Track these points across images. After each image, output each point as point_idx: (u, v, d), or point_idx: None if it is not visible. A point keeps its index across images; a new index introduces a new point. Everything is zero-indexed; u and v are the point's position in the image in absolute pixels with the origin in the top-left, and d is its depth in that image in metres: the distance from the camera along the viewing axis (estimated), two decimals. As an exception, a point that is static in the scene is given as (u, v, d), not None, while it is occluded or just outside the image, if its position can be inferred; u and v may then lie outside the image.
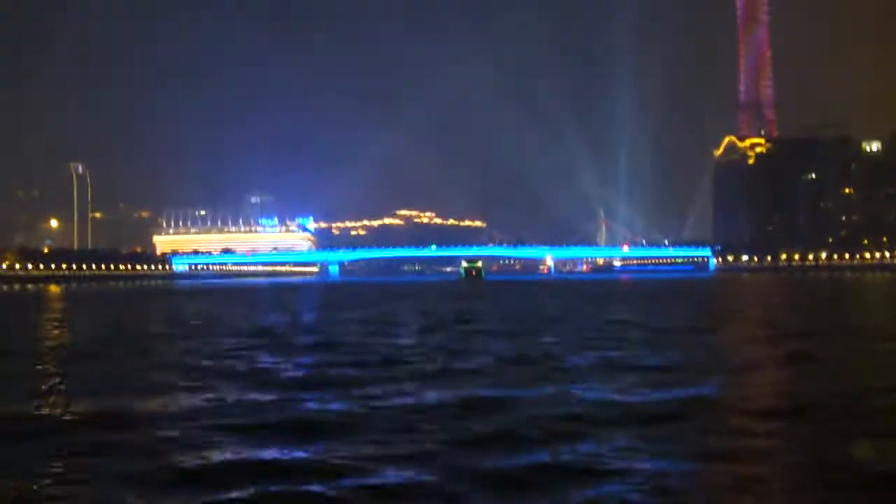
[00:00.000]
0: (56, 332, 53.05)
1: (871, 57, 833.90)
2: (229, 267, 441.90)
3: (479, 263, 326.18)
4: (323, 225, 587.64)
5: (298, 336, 45.10)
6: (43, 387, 25.94)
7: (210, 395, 23.64)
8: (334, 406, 21.94)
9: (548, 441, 16.93)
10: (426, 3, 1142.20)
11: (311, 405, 22.44)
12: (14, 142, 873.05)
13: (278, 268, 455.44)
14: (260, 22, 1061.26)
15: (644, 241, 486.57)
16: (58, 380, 28.34)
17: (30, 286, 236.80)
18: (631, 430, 17.97)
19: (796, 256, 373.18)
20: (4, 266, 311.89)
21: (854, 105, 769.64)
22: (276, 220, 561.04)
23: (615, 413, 20.16)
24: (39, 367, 31.48)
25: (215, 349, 37.44)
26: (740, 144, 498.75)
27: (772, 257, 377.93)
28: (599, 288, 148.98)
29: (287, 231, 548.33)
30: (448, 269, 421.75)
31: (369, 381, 25.90)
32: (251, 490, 13.79)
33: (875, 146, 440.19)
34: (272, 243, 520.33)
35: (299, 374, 28.69)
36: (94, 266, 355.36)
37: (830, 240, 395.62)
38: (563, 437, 17.27)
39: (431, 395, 22.97)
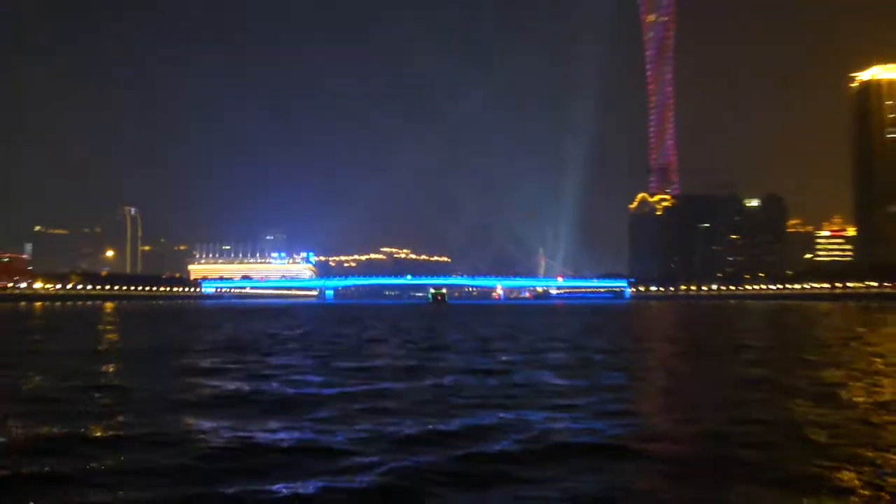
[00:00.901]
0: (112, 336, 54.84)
1: (753, 135, 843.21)
2: (247, 290, 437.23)
3: (444, 290, 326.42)
4: (322, 258, 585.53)
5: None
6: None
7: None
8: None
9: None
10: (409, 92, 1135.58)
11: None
12: (81, 188, 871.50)
13: (285, 291, 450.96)
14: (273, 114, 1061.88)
15: (573, 274, 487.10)
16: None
17: (89, 302, 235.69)
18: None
19: (693, 287, 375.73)
20: (70, 286, 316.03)
21: (740, 170, 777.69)
22: (284, 253, 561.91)
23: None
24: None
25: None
26: (650, 199, 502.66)
27: (674, 288, 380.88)
28: (539, 310, 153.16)
29: (293, 262, 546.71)
30: (419, 294, 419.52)
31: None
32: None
33: (755, 203, 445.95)
34: (281, 272, 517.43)
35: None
36: (140, 287, 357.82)
37: (720, 275, 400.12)
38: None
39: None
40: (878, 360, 32.84)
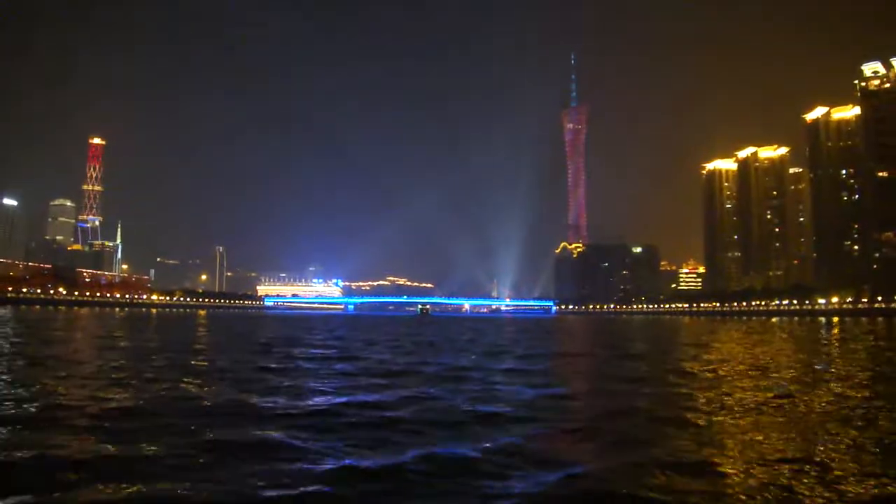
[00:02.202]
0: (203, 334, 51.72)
1: (638, 203, 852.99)
2: (295, 304, 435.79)
3: (429, 306, 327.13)
4: (346, 283, 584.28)
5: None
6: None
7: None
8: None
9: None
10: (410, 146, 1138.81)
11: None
12: (190, 230, 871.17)
13: (321, 305, 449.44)
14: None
15: (517, 296, 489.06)
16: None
17: (188, 311, 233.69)
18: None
19: (598, 306, 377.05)
20: (175, 299, 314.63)
21: (628, 227, 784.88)
22: (321, 279, 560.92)
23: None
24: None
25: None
26: (569, 247, 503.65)
27: (585, 307, 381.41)
28: (493, 320, 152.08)
29: (327, 286, 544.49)
30: (411, 309, 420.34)
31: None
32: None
33: (638, 249, 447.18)
34: (319, 292, 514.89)
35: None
36: (224, 301, 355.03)
37: (615, 298, 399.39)
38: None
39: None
40: (716, 354, 33.05)
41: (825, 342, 44.65)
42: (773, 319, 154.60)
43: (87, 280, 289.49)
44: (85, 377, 17.79)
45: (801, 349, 35.68)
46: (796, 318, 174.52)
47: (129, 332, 47.90)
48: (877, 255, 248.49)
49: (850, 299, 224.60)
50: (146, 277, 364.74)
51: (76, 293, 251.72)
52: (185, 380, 17.74)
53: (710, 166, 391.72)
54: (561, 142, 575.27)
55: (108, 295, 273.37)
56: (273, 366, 22.38)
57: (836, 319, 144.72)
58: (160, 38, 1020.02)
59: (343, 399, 14.62)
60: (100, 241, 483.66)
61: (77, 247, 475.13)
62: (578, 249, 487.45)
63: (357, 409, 13.20)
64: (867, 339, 47.00)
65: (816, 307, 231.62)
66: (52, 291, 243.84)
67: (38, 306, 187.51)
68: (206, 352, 29.70)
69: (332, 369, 21.69)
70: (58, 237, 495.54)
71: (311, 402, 14.11)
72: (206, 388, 16.24)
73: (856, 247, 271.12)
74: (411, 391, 16.16)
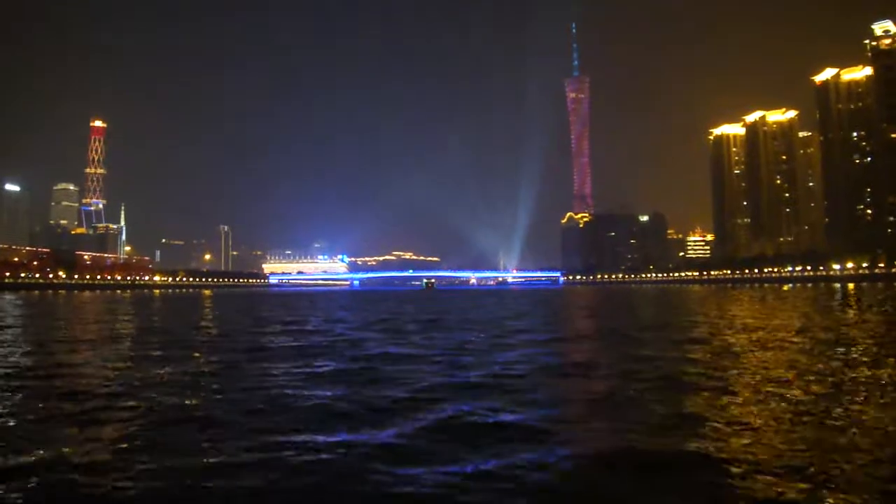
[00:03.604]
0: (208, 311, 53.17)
1: (644, 171, 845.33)
2: (301, 280, 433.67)
3: (433, 280, 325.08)
4: (352, 259, 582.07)
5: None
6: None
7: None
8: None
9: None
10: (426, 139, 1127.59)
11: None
12: (195, 211, 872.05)
13: (326, 282, 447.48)
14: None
15: (523, 268, 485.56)
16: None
17: (191, 291, 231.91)
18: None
19: (605, 276, 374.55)
20: (178, 279, 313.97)
21: (635, 196, 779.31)
22: (326, 256, 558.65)
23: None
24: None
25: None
26: (575, 217, 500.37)
27: (592, 277, 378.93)
28: (499, 292, 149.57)
29: (332, 262, 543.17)
30: (416, 283, 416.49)
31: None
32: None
33: (645, 218, 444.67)
34: (324, 268, 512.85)
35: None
36: (228, 280, 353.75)
37: (623, 268, 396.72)
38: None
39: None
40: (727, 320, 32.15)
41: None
42: (785, 287, 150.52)
43: (88, 263, 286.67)
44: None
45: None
46: (810, 285, 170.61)
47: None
48: (891, 218, 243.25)
49: (865, 265, 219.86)
50: (147, 258, 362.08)
51: (76, 276, 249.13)
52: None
53: (717, 132, 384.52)
54: (566, 112, 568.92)
55: (109, 277, 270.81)
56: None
57: (851, 286, 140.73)
58: (161, 18, 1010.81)
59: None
60: (104, 224, 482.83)
61: (81, 230, 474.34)
62: (585, 219, 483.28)
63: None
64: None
65: (832, 273, 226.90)
66: (51, 276, 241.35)
67: (37, 291, 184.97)
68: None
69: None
70: (62, 221, 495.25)
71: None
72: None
73: (868, 211, 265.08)
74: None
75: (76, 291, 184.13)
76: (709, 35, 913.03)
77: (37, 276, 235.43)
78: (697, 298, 72.79)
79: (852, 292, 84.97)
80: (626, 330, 27.18)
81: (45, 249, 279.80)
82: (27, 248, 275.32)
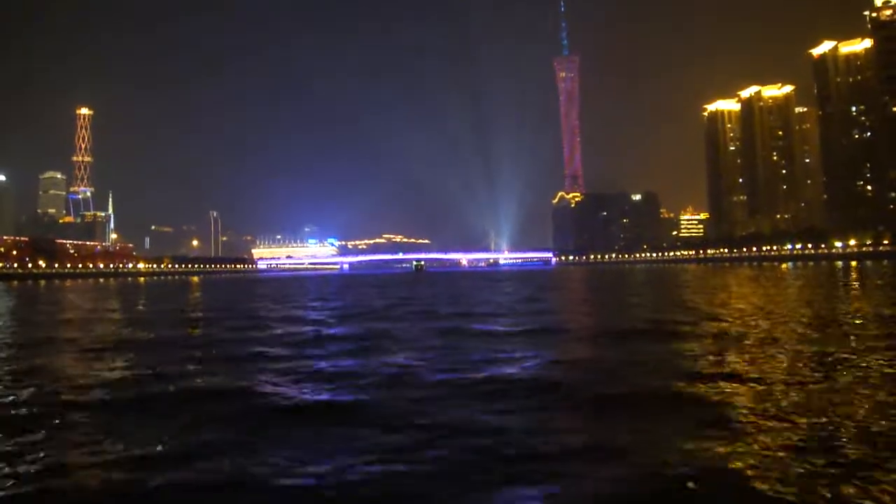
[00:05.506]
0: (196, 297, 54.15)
1: (636, 150, 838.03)
2: (290, 265, 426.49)
3: (423, 262, 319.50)
4: (342, 242, 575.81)
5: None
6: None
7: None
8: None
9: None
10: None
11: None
12: (182, 197, 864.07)
13: (315, 266, 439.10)
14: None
15: (515, 248, 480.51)
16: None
17: (178, 277, 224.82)
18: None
19: (598, 256, 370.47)
20: (163, 266, 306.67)
21: (627, 175, 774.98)
22: (316, 239, 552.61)
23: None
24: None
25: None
26: (567, 197, 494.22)
27: (585, 257, 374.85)
28: (491, 274, 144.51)
29: (322, 246, 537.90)
30: (407, 266, 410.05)
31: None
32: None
33: (637, 197, 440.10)
34: (314, 252, 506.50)
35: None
36: (217, 266, 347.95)
37: (616, 248, 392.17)
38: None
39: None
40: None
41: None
42: (784, 266, 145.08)
43: (70, 251, 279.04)
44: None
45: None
46: (811, 263, 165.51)
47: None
48: (893, 194, 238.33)
49: (868, 242, 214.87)
50: (131, 246, 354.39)
51: (56, 265, 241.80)
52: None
53: (711, 107, 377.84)
54: (555, 92, 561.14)
55: (91, 266, 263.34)
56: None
57: (854, 263, 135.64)
58: (146, 6, 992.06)
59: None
60: (91, 212, 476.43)
61: (69, 219, 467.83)
62: (576, 199, 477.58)
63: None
64: None
65: (833, 251, 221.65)
66: (30, 265, 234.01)
67: (15, 281, 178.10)
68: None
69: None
70: (49, 210, 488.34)
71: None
72: None
73: (869, 187, 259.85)
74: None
75: (57, 281, 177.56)
76: (702, 10, 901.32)
77: (15, 265, 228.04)
78: (696, 278, 67.41)
79: (860, 270, 79.52)
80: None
81: (23, 238, 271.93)
82: (6, 237, 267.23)
